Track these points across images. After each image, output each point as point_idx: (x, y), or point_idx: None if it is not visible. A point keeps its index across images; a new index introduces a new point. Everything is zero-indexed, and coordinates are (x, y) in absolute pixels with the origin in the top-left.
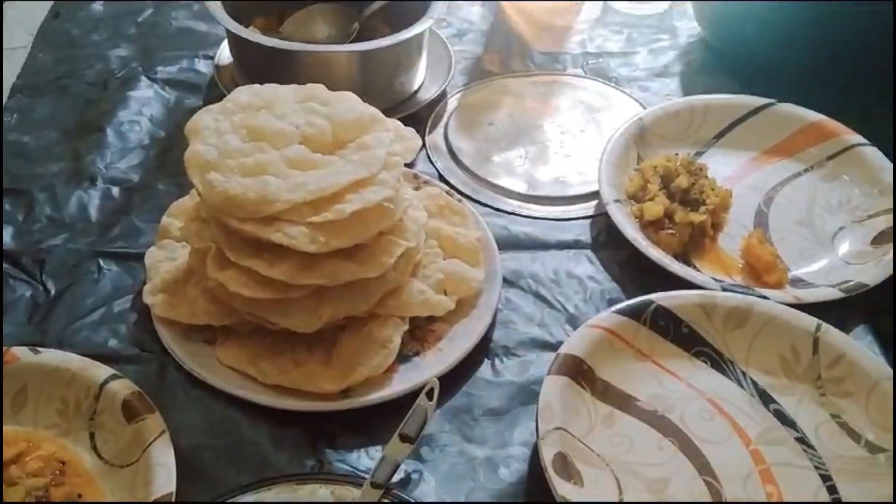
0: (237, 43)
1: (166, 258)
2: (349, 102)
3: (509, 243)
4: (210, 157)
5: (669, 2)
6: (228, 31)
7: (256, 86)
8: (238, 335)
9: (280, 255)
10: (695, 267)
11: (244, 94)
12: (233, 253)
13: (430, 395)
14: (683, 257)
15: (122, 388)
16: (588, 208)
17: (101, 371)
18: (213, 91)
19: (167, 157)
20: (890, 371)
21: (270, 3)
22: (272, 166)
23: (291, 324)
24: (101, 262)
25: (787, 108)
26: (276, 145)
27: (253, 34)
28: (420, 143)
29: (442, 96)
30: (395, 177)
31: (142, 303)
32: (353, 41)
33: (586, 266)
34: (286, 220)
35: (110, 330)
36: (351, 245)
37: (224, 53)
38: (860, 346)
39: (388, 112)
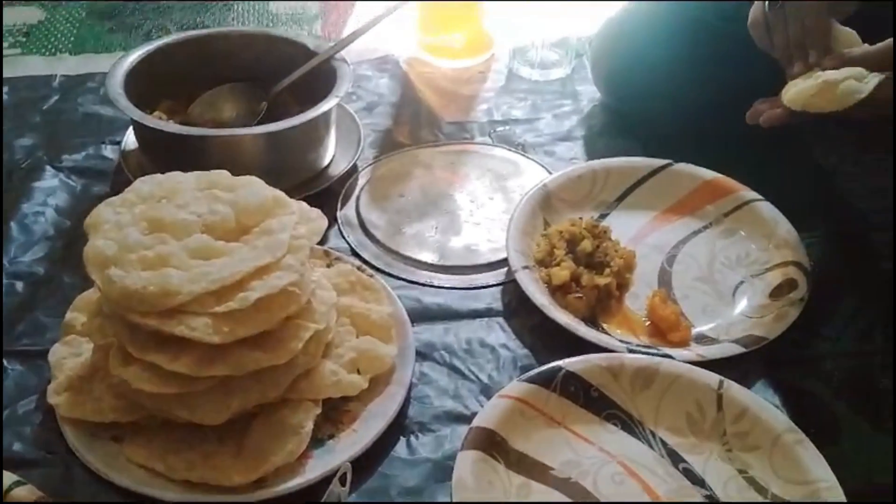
0: (141, 129)
1: (71, 355)
2: (253, 187)
3: (422, 315)
4: (109, 253)
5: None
6: (132, 118)
7: (158, 175)
8: (146, 430)
9: (184, 347)
10: (603, 329)
11: (146, 184)
12: (135, 348)
13: (343, 480)
14: (592, 320)
15: (27, 494)
16: (499, 275)
17: (5, 478)
18: (121, 177)
19: (73, 247)
20: (790, 423)
21: (177, 85)
22: (174, 258)
23: (199, 417)
24: (5, 361)
25: (684, 167)
26: (178, 236)
27: (155, 121)
28: (325, 223)
29: (353, 170)
30: (300, 260)
31: (47, 402)
32: (262, 119)
33: (499, 334)
34: (189, 312)
35: (14, 433)
36: (257, 333)
37: (130, 139)
38: (761, 400)
39: (300, 189)
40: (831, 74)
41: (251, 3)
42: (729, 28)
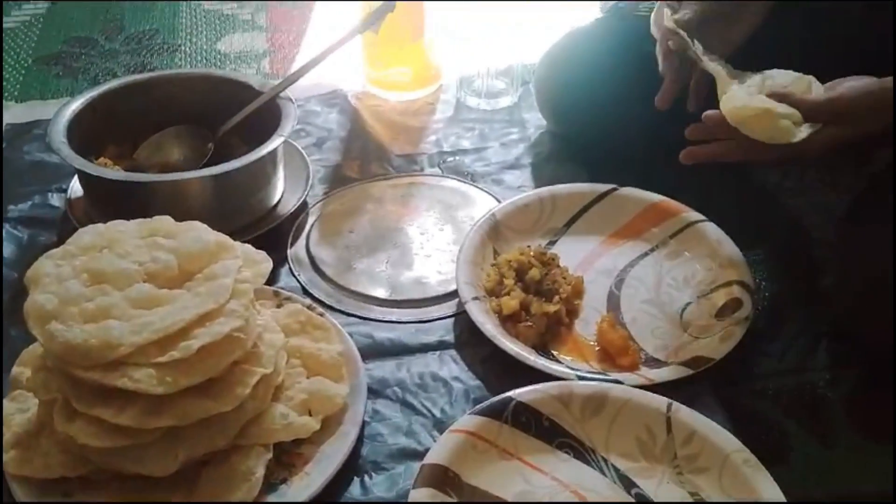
0: (85, 177)
1: (18, 411)
2: (195, 232)
3: (374, 351)
4: (50, 307)
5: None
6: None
7: (99, 225)
8: (96, 484)
9: (129, 399)
10: (554, 356)
11: (87, 235)
12: (79, 402)
13: None
14: (543, 347)
15: None
16: (450, 307)
17: None
18: (67, 226)
19: (20, 300)
20: (738, 443)
21: (122, 129)
22: (115, 309)
23: (146, 469)
24: None
25: (629, 191)
26: (120, 286)
27: (98, 168)
28: (270, 265)
29: (303, 207)
30: (244, 305)
31: None
32: (209, 160)
33: (451, 367)
34: (132, 364)
35: None
36: (202, 381)
37: (76, 186)
38: (709, 422)
39: (249, 229)
40: (776, 106)
41: (199, 43)
42: None
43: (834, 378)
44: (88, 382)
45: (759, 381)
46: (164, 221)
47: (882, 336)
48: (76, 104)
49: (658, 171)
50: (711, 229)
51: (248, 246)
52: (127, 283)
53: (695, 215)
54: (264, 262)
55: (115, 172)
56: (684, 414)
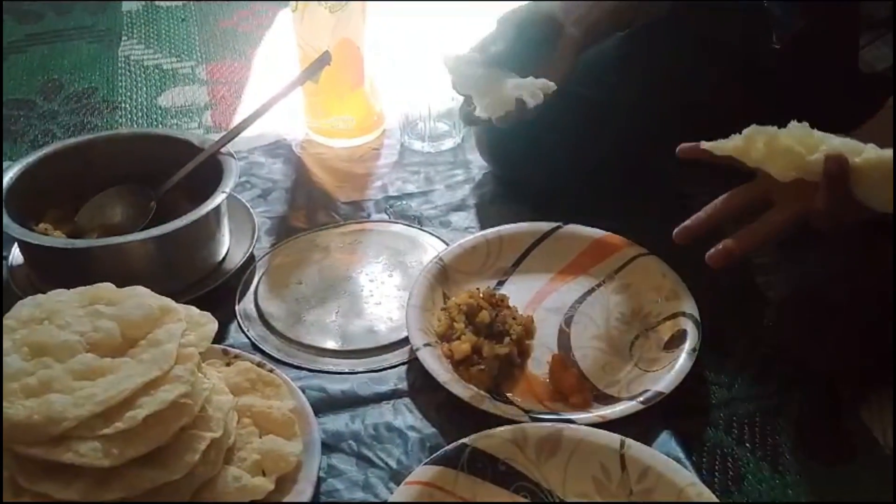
0: (23, 245)
1: None
2: (137, 298)
3: (328, 405)
4: None
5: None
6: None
7: (39, 296)
8: None
9: (76, 473)
10: (507, 398)
11: (26, 307)
12: (25, 479)
13: None
14: (496, 390)
15: None
16: (402, 354)
17: None
18: (10, 296)
19: None
20: (691, 476)
21: (63, 193)
22: (57, 382)
23: None
24: None
25: (573, 228)
26: (61, 358)
27: (36, 235)
28: (216, 327)
29: (250, 261)
30: (189, 370)
31: None
32: (152, 219)
33: (406, 416)
34: (76, 437)
35: None
36: (150, 450)
37: (17, 254)
38: (662, 457)
39: (195, 287)
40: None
41: (139, 99)
42: (595, 95)
43: (783, 403)
44: (34, 458)
45: (710, 411)
46: (105, 288)
47: (826, 360)
48: (14, 171)
49: (600, 205)
50: (654, 262)
51: (193, 308)
52: (69, 355)
53: (637, 249)
54: (209, 323)
55: (53, 239)
56: (637, 450)
